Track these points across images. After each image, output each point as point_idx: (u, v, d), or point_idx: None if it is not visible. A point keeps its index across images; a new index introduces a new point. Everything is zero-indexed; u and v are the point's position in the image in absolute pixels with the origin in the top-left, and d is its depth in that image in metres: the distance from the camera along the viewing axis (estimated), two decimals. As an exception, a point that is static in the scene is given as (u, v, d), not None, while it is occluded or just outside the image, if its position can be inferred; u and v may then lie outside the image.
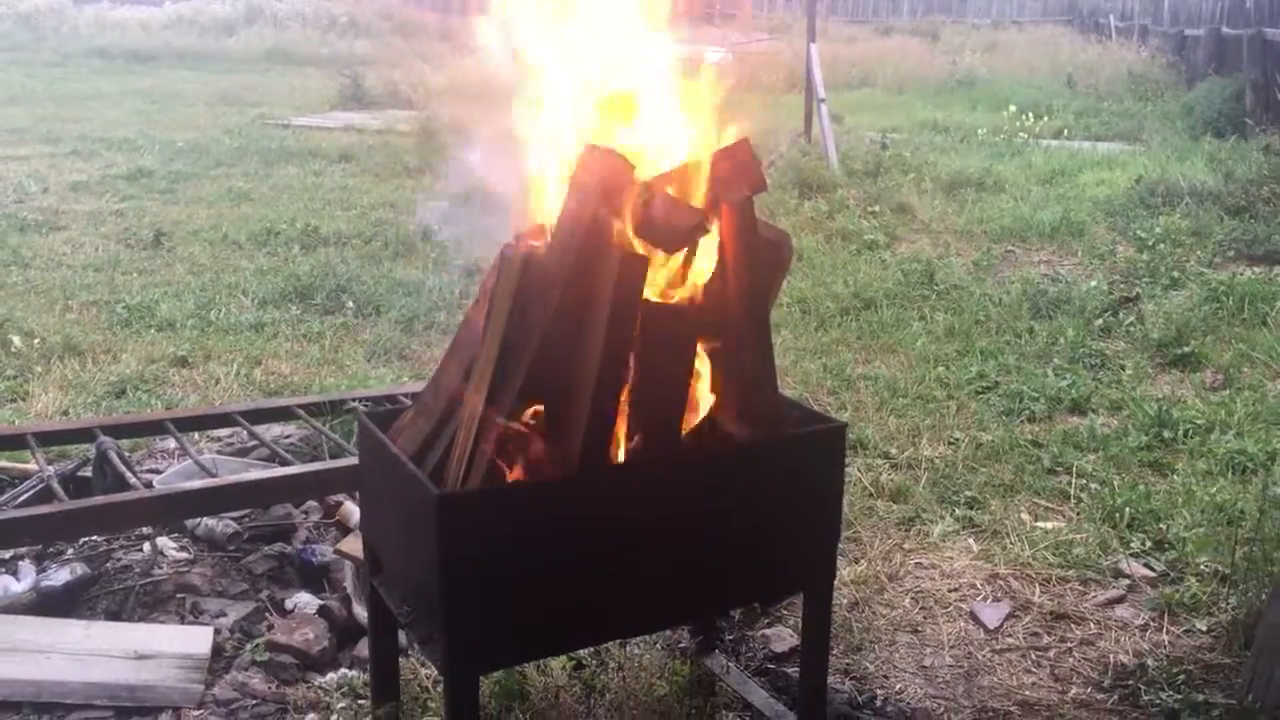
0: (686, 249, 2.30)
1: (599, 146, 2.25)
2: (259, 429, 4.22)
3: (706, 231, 2.27)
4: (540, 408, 2.19)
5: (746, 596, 2.90)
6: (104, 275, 7.30)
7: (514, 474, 2.18)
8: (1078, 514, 4.23)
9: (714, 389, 2.37)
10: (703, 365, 2.36)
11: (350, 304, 6.73)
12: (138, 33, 24.27)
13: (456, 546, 2.07)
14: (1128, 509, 4.18)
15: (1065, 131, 14.05)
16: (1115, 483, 4.44)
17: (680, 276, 2.34)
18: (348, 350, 6.01)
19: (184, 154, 11.81)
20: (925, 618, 3.55)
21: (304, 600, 3.46)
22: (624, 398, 2.22)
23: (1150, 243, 8.24)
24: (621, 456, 2.27)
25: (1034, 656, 3.35)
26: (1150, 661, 3.27)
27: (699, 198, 2.30)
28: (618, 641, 3.13)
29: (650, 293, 2.26)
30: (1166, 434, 4.92)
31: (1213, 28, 16.85)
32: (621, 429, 2.25)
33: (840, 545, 3.61)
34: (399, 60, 20.02)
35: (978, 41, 23.14)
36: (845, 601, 3.57)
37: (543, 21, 2.47)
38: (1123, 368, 5.86)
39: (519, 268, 2.19)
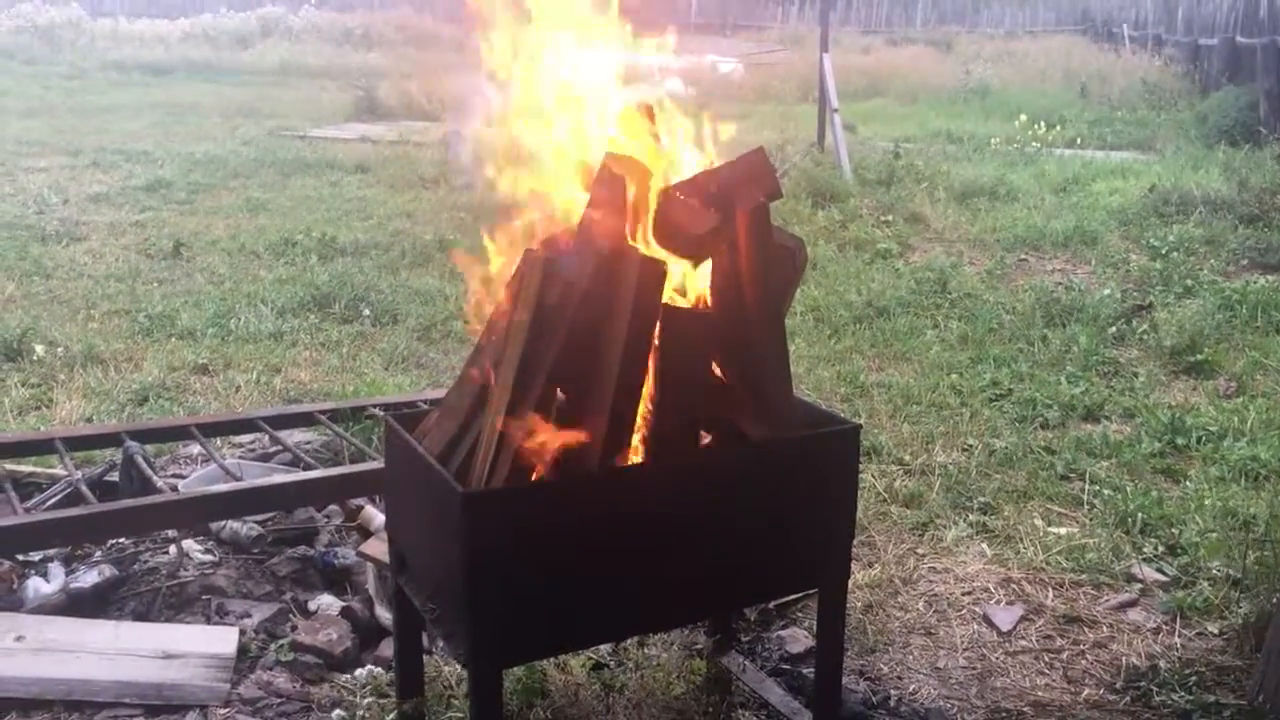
0: (704, 254, 2.35)
1: (619, 154, 2.31)
2: (281, 434, 4.29)
3: (723, 237, 2.32)
4: (562, 409, 2.24)
5: (764, 592, 2.95)
6: (125, 285, 7.38)
7: (537, 473, 2.24)
8: (1090, 519, 4.26)
9: (731, 390, 2.42)
10: (720, 367, 2.41)
11: (367, 313, 6.80)
12: (154, 46, 24.47)
13: (481, 543, 2.13)
14: (1140, 514, 4.21)
15: (1079, 140, 14.07)
16: (1128, 489, 4.47)
17: (698, 281, 2.40)
18: (365, 358, 6.07)
19: (202, 165, 11.91)
20: (939, 620, 3.58)
21: (327, 602, 3.52)
22: (644, 399, 2.28)
23: (1164, 251, 8.26)
24: (641, 456, 2.32)
25: (1047, 658, 3.38)
26: (1162, 663, 3.31)
27: (716, 204, 2.36)
28: (635, 641, 3.19)
29: (668, 297, 2.32)
30: (1179, 441, 4.95)
31: (1227, 37, 16.89)
32: (641, 429, 2.30)
33: (854, 549, 3.66)
34: (413, 72, 20.18)
35: (991, 51, 23.18)
36: (859, 604, 3.62)
37: (558, 32, 2.53)
38: (1136, 375, 5.89)
39: (541, 273, 2.24)
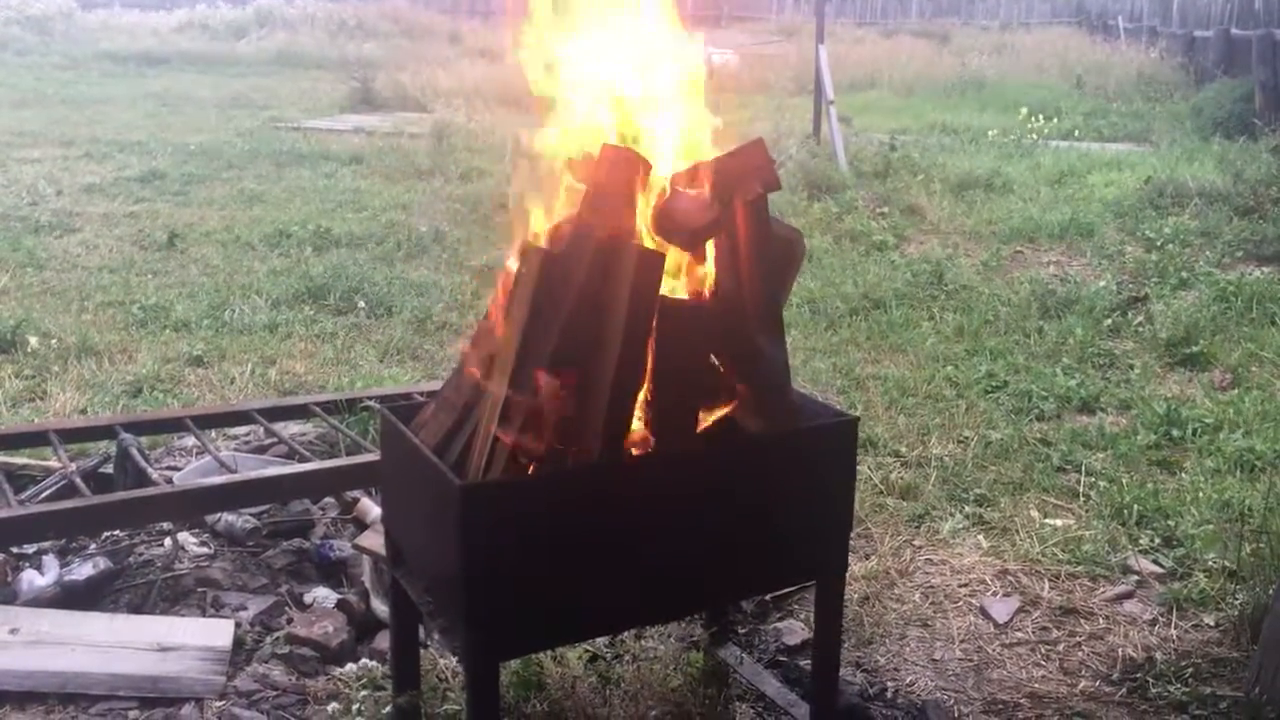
0: (702, 246, 2.35)
1: (616, 145, 2.30)
2: (276, 426, 4.27)
3: (722, 229, 2.31)
4: (559, 401, 2.23)
5: (762, 585, 2.94)
6: (119, 276, 7.36)
7: (534, 466, 2.23)
8: (1087, 511, 4.26)
9: (729, 382, 2.41)
10: (718, 359, 2.41)
11: (362, 304, 6.79)
12: (148, 36, 24.37)
13: (478, 536, 2.12)
14: (1136, 506, 4.21)
15: (1074, 133, 14.05)
16: (1124, 481, 4.47)
17: (696, 273, 2.39)
18: (360, 350, 6.06)
19: (196, 156, 11.88)
20: (935, 612, 3.59)
21: (322, 594, 3.51)
22: (641, 392, 2.27)
23: (1159, 243, 8.26)
24: (639, 449, 2.31)
25: (1043, 650, 3.39)
26: (1159, 655, 3.31)
27: (714, 196, 2.35)
28: (632, 633, 3.18)
29: (667, 289, 2.31)
30: (1175, 433, 4.95)
31: (1222, 29, 16.87)
32: (639, 422, 2.29)
33: (851, 541, 3.65)
34: (407, 63, 20.13)
35: (986, 43, 23.12)
36: (856, 596, 3.61)
37: (556, 24, 2.52)
38: (1131, 367, 5.89)
39: (538, 265, 2.23)
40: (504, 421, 2.19)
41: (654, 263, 2.21)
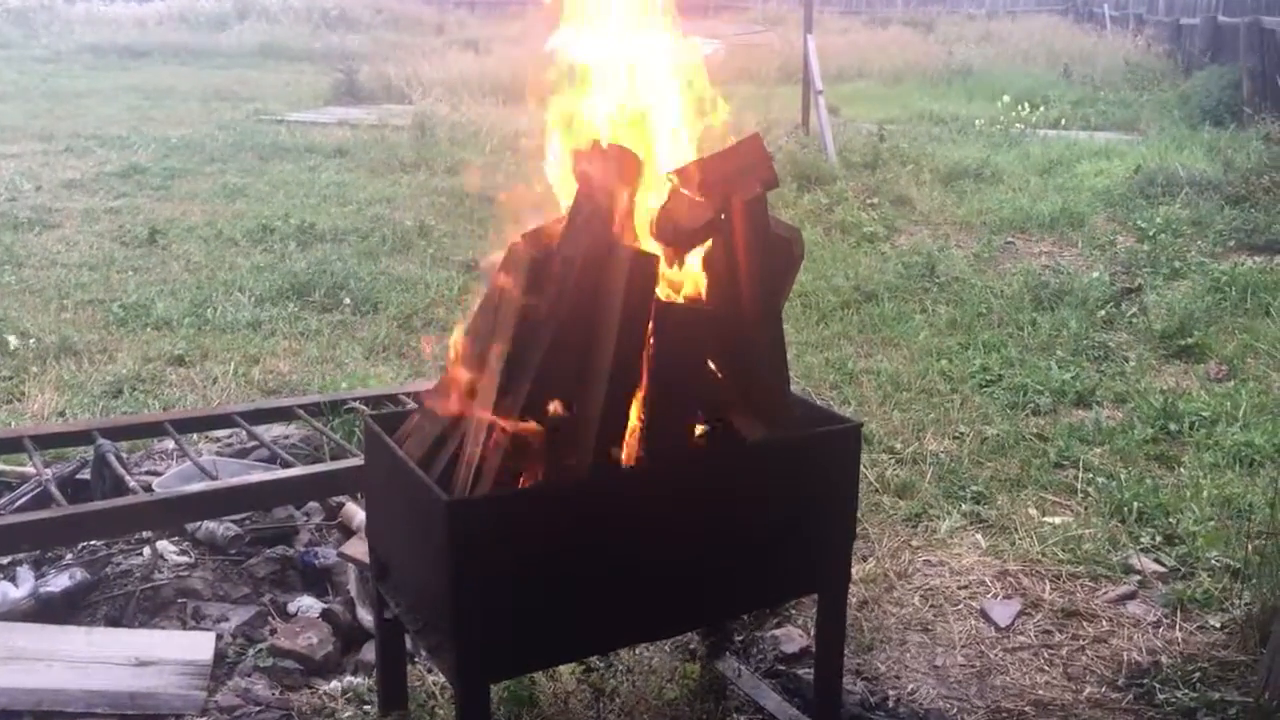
0: (699, 247, 2.25)
1: (608, 142, 2.20)
2: (259, 429, 4.17)
3: (719, 229, 2.22)
4: (550, 410, 2.14)
5: (761, 598, 2.86)
6: (99, 274, 7.24)
7: (524, 479, 2.14)
8: (1085, 508, 4.19)
9: (726, 388, 2.33)
10: (715, 365, 2.32)
11: (348, 301, 6.68)
12: (130, 29, 24.15)
13: (466, 553, 2.03)
14: (1136, 503, 4.14)
15: (1062, 121, 14.01)
16: (1122, 476, 4.40)
17: (692, 275, 2.30)
18: (346, 348, 5.95)
19: (178, 150, 11.73)
20: (935, 616, 3.51)
21: (307, 604, 3.41)
22: (636, 399, 2.18)
23: (1151, 233, 8.20)
24: (633, 459, 2.22)
25: (1046, 655, 3.31)
26: (1164, 659, 3.24)
27: (711, 195, 2.25)
28: (627, 644, 3.10)
29: (662, 292, 2.22)
30: (1172, 426, 4.89)
31: (1209, 16, 16.84)
32: (634, 431, 2.20)
33: (849, 544, 3.58)
34: (391, 54, 19.97)
35: (972, 32, 23.09)
36: (854, 600, 3.53)
37: (548, 19, 2.43)
38: (1126, 359, 5.82)
39: (528, 267, 2.14)
40: (492, 433, 2.10)
41: (648, 266, 2.12)
